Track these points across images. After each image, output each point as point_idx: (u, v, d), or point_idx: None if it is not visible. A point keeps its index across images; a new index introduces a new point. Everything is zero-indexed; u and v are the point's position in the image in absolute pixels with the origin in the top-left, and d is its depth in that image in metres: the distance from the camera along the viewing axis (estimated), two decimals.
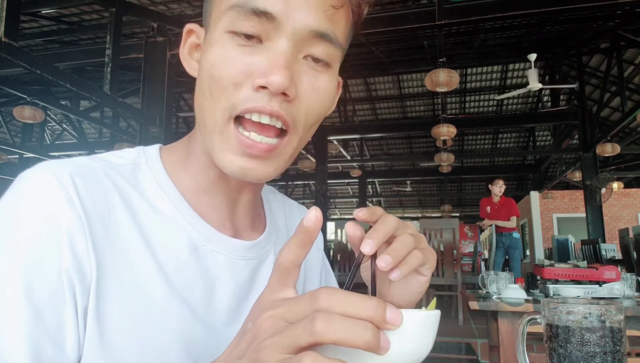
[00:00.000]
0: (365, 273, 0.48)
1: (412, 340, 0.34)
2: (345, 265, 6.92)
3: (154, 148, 0.57)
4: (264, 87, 0.45)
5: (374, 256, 0.42)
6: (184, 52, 0.55)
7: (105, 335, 0.45)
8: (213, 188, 0.56)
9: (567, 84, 7.83)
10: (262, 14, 0.45)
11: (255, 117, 0.47)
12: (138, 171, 0.54)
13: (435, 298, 0.43)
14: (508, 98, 9.69)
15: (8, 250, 0.42)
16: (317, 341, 0.31)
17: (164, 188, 0.54)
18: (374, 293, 0.41)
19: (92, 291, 0.45)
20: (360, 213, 0.43)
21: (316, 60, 0.49)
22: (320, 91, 0.49)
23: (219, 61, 0.47)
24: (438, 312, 0.37)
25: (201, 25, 0.55)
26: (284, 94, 0.46)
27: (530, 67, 7.90)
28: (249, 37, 0.46)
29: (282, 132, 0.49)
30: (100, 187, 0.49)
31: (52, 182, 0.45)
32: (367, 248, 0.40)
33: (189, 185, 0.55)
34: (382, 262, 0.40)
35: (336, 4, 0.48)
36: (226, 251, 0.55)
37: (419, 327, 0.35)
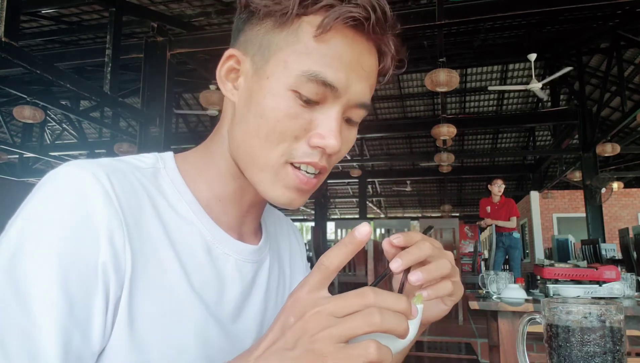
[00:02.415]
0: (395, 284, 0.53)
1: (414, 327, 0.44)
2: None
3: (169, 155, 0.61)
4: (319, 146, 0.52)
5: (407, 270, 0.47)
6: (220, 73, 0.57)
7: (135, 327, 0.48)
8: (228, 199, 0.60)
9: (564, 75, 7.81)
10: (329, 86, 0.51)
11: (303, 168, 0.54)
12: (158, 175, 0.57)
13: (421, 294, 0.47)
14: (502, 91, 9.70)
15: (47, 243, 0.44)
16: (373, 331, 0.38)
17: (181, 192, 0.57)
18: None
19: (125, 284, 0.48)
20: (395, 240, 0.48)
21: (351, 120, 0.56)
22: (350, 142, 0.57)
23: (285, 117, 0.51)
24: (422, 306, 0.46)
25: (229, 44, 0.58)
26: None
27: (530, 67, 7.91)
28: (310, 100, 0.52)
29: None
30: (132, 187, 0.52)
31: (90, 179, 0.48)
32: (394, 265, 0.45)
33: (203, 192, 0.59)
34: (414, 277, 0.46)
35: (377, 76, 0.57)
36: (235, 254, 0.60)
37: (419, 317, 0.45)
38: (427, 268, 0.47)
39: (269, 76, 0.52)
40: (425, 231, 0.55)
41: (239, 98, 0.55)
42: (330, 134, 0.51)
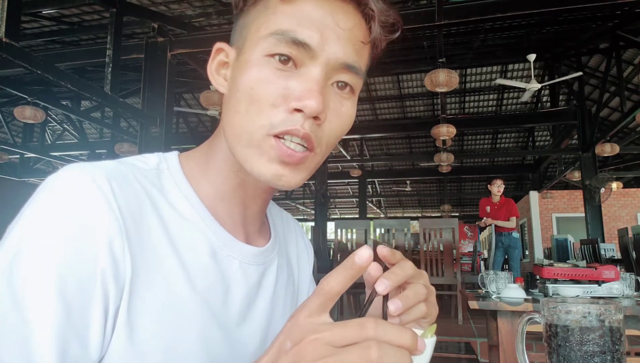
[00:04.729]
0: (372, 308, 0.50)
1: (423, 361, 0.43)
2: None
3: (173, 155, 0.59)
4: (298, 110, 0.49)
5: (385, 298, 0.45)
6: (211, 68, 0.57)
7: (135, 334, 0.46)
8: (231, 195, 0.59)
9: (570, 77, 7.83)
10: (301, 44, 0.49)
11: (287, 138, 0.50)
12: (162, 176, 0.56)
13: (435, 325, 0.46)
14: (507, 86, 9.71)
15: (45, 249, 0.43)
16: None
17: (185, 194, 0.56)
18: None
19: (125, 292, 0.46)
20: (383, 250, 0.46)
21: (343, 86, 0.53)
22: (343, 116, 0.54)
23: (258, 82, 0.50)
24: (435, 338, 0.46)
25: (228, 44, 0.57)
26: (316, 117, 0.50)
27: (529, 68, 7.92)
28: (285, 61, 0.50)
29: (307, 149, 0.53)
30: (133, 191, 0.50)
31: (90, 185, 0.46)
32: (381, 287, 0.42)
33: (207, 191, 0.58)
34: (393, 306, 0.43)
35: (364, 40, 0.53)
36: (240, 256, 0.58)
37: (428, 351, 0.43)
38: (405, 295, 0.45)
39: (246, 50, 0.52)
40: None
41: (228, 88, 0.55)
42: (308, 94, 0.48)
